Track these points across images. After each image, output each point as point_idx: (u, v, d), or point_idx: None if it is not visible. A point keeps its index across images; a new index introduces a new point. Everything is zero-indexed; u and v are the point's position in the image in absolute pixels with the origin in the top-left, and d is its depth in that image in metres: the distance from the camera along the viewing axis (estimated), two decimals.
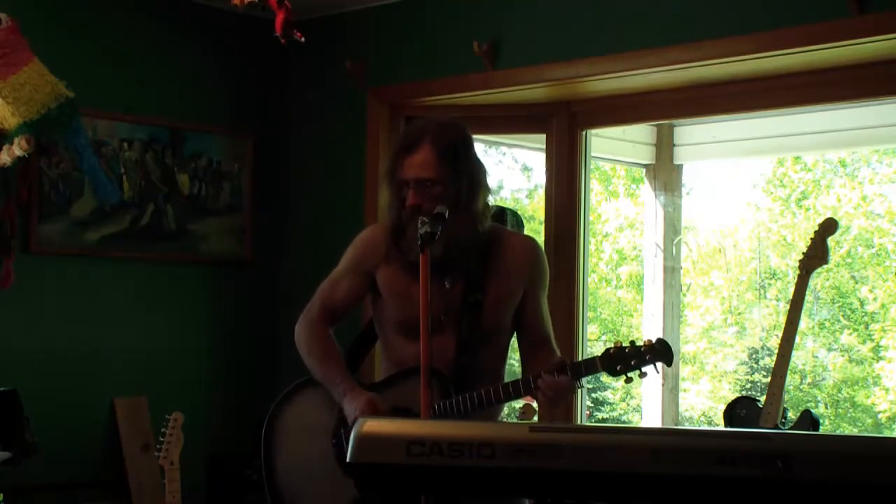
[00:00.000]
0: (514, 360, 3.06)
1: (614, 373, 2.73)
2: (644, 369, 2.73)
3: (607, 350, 2.75)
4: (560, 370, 2.73)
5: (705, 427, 7.55)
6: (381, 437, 1.70)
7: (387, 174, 2.93)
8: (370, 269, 2.98)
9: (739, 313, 9.21)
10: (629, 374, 2.73)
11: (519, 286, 2.95)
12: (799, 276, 3.44)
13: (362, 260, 3.01)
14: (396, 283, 2.93)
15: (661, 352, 2.72)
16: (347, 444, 2.83)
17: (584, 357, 3.79)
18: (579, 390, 4.08)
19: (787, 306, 3.48)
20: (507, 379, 3.00)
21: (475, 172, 2.90)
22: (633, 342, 2.74)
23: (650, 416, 6.10)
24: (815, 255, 3.45)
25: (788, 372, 3.42)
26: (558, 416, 3.99)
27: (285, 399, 3.05)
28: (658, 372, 2.76)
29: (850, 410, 8.70)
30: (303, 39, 3.09)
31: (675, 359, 2.78)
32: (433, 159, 2.83)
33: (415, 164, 2.83)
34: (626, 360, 2.72)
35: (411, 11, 4.38)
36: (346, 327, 3.19)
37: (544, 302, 3.02)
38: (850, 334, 8.76)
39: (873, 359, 8.58)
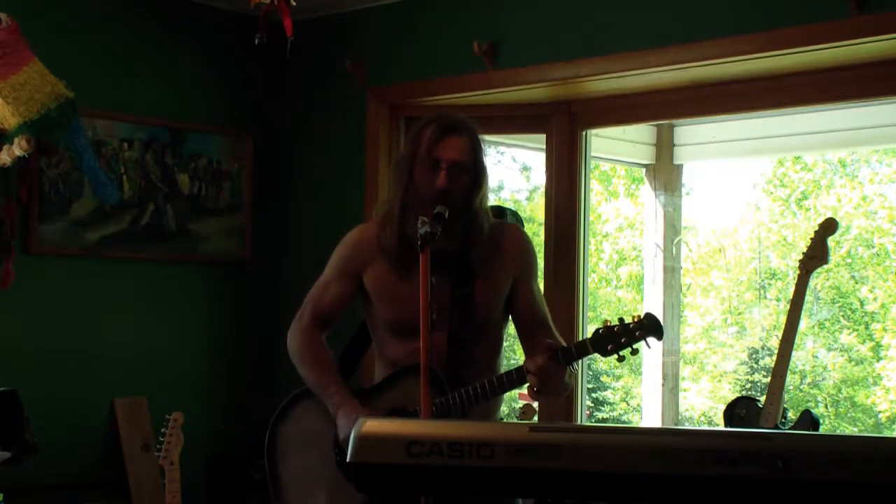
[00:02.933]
0: (514, 361, 3.06)
1: (606, 353, 2.70)
2: (635, 346, 2.70)
3: (597, 330, 2.72)
4: (551, 357, 2.71)
5: (705, 427, 7.55)
6: (381, 437, 1.70)
7: (412, 155, 2.85)
8: (358, 270, 2.96)
9: (739, 313, 9.21)
10: (621, 353, 2.72)
11: (508, 276, 2.94)
12: (799, 276, 3.44)
13: (349, 261, 2.99)
14: (384, 284, 2.91)
15: (650, 327, 2.68)
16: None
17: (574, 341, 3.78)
18: (578, 389, 4.10)
19: (787, 306, 3.48)
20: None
21: (488, 174, 2.91)
22: (621, 319, 2.71)
23: (650, 416, 6.09)
24: (815, 255, 3.45)
25: (788, 372, 3.42)
26: (556, 410, 3.99)
27: (286, 408, 3.04)
28: (650, 347, 2.74)
29: (850, 410, 8.70)
30: (265, 40, 3.08)
31: (671, 353, 2.77)
32: (471, 147, 2.84)
33: (457, 146, 2.82)
34: (616, 338, 2.69)
35: (411, 11, 4.38)
36: (343, 328, 3.18)
37: (536, 287, 3.00)
38: (850, 334, 8.76)
39: (873, 359, 8.58)
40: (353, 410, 2.82)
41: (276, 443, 3.01)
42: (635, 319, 2.70)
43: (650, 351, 2.82)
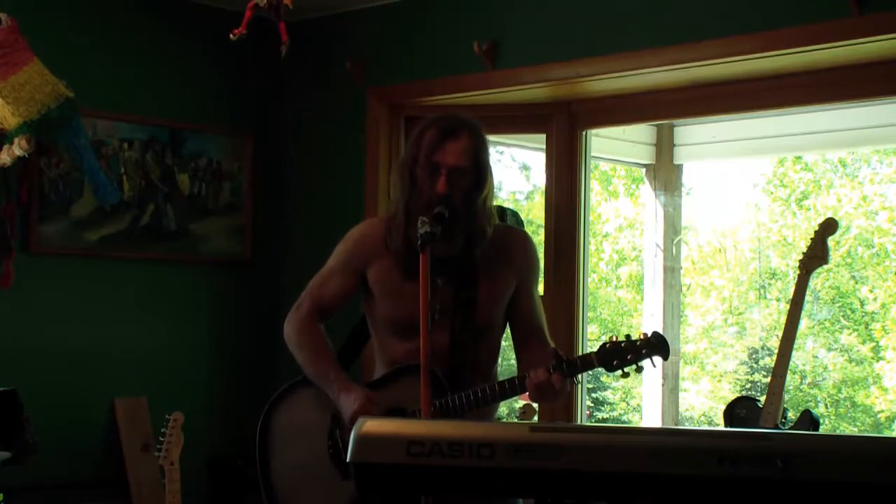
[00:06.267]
0: (513, 361, 3.06)
1: (610, 368, 2.70)
2: (640, 363, 2.70)
3: (603, 345, 2.72)
4: (555, 367, 2.71)
5: (705, 427, 7.55)
6: (381, 437, 1.70)
7: (414, 158, 2.84)
8: (361, 267, 2.95)
9: (740, 313, 9.21)
10: (625, 370, 2.72)
11: (512, 281, 2.93)
12: (799, 276, 3.44)
13: (354, 256, 2.97)
14: (389, 282, 2.90)
15: (656, 345, 2.69)
16: (343, 445, 2.86)
17: (580, 352, 3.78)
18: (578, 389, 4.10)
19: (787, 306, 3.48)
20: (499, 373, 3.00)
21: (491, 174, 2.90)
22: (628, 336, 2.71)
23: (650, 416, 6.10)
24: (815, 255, 3.45)
25: (788, 372, 3.41)
26: (556, 410, 4.00)
27: (278, 400, 3.04)
28: (655, 366, 2.74)
29: (850, 410, 8.70)
30: (244, 36, 3.06)
31: (671, 354, 2.76)
32: (472, 150, 2.82)
33: (457, 150, 2.79)
34: (621, 354, 2.69)
35: (411, 11, 4.38)
36: (344, 321, 3.18)
37: (536, 293, 3.00)
38: (850, 334, 8.76)
39: (873, 359, 8.58)
40: (357, 390, 2.82)
41: (268, 432, 3.01)
42: (642, 337, 2.70)
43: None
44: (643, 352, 2.69)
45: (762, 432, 1.86)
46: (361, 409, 2.75)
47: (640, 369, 2.71)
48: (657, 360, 2.71)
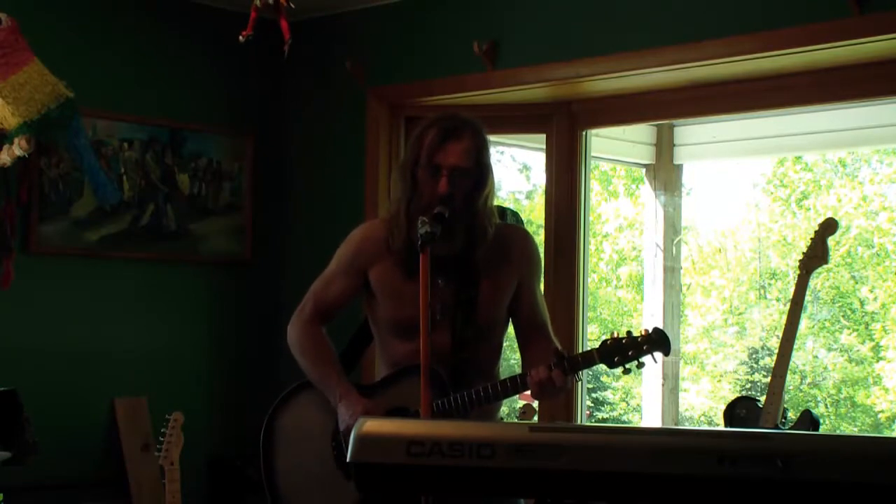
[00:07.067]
0: (513, 360, 3.06)
1: (612, 365, 2.71)
2: (641, 359, 2.71)
3: (604, 342, 2.73)
4: (556, 364, 2.71)
5: (705, 427, 7.55)
6: (382, 437, 1.70)
7: (415, 159, 2.84)
8: (363, 268, 2.95)
9: (740, 313, 9.21)
10: (627, 366, 2.72)
11: (513, 279, 2.94)
12: (799, 276, 3.44)
13: (356, 258, 2.98)
14: (391, 282, 2.90)
15: (657, 341, 2.70)
16: (347, 446, 2.85)
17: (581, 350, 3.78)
18: (579, 389, 4.10)
19: (788, 306, 3.48)
20: (502, 372, 3.00)
21: (493, 174, 2.90)
22: (629, 332, 2.72)
23: (650, 416, 6.10)
24: (816, 255, 3.45)
25: (788, 372, 3.41)
26: (556, 410, 4.00)
27: (283, 402, 3.04)
28: (656, 362, 2.75)
29: (850, 410, 8.70)
30: (251, 38, 3.07)
31: (671, 353, 2.76)
32: (473, 151, 2.82)
33: (458, 151, 2.79)
34: (623, 351, 2.70)
35: (411, 11, 4.38)
36: (345, 324, 3.18)
37: (538, 290, 3.00)
38: (850, 334, 8.75)
39: (873, 359, 8.58)
40: (356, 401, 2.83)
41: (272, 434, 3.01)
42: (643, 333, 2.71)
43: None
44: (644, 348, 2.70)
45: (762, 432, 1.86)
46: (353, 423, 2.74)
47: (640, 365, 2.72)
48: (658, 356, 2.71)
